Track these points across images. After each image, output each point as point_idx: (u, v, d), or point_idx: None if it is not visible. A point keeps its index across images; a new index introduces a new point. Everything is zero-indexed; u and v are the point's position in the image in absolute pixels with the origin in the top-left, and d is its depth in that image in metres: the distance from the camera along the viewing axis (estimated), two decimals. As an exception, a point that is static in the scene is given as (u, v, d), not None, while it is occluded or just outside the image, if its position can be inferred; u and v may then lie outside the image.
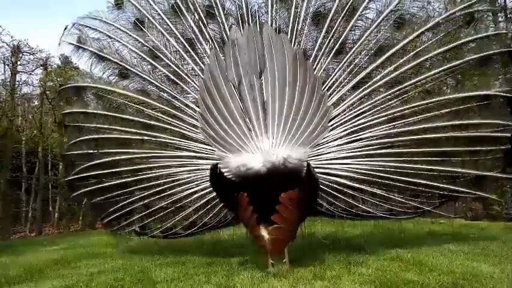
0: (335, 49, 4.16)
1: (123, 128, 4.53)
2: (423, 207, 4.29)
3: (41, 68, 13.35)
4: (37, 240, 8.53)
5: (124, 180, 4.50)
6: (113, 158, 4.53)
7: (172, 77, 4.46)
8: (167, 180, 4.29)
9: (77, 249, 5.04)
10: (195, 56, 4.47)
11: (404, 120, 3.94)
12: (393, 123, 3.95)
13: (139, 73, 4.54)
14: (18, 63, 12.01)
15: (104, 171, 4.58)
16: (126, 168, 4.48)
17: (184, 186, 4.20)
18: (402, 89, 3.96)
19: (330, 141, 3.99)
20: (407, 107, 3.94)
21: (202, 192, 4.14)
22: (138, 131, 4.45)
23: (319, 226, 6.58)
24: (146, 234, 4.79)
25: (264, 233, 3.50)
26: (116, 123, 4.58)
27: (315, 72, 4.14)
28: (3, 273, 3.97)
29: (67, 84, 5.11)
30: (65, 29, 4.64)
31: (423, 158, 3.99)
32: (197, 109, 4.26)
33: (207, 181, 3.96)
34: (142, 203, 4.49)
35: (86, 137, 4.69)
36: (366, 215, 4.36)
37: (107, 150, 4.58)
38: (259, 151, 3.72)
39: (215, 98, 4.15)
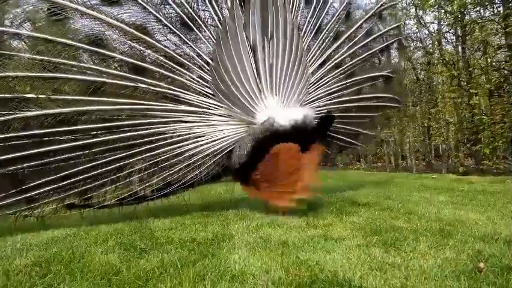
0: (315, 28, 4.69)
1: (103, 69, 3.73)
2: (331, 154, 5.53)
3: None
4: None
5: (90, 141, 3.72)
6: (78, 109, 3.62)
7: (186, 19, 4.07)
8: (160, 137, 3.93)
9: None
10: (214, 3, 4.22)
11: (341, 93, 4.73)
12: (335, 95, 4.67)
13: (142, 3, 3.83)
14: None
15: (58, 129, 3.58)
16: (98, 125, 3.73)
17: (181, 144, 3.99)
18: (344, 68, 4.75)
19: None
20: (344, 82, 4.73)
21: (196, 150, 4.03)
22: (127, 75, 3.79)
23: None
24: (91, 206, 4.02)
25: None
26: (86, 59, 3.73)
27: (303, 45, 4.52)
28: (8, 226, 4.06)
29: None
30: None
31: (349, 120, 5.02)
32: (210, 62, 4.10)
33: (207, 138, 4.04)
34: (112, 166, 3.83)
35: (15, 74, 3.44)
36: None
37: (66, 97, 3.62)
38: (272, 109, 3.93)
39: (231, 53, 4.08)
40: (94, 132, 3.76)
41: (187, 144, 4.02)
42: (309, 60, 4.53)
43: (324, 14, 4.77)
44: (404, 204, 4.27)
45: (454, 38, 12.93)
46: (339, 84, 4.66)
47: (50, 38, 3.53)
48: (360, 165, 17.97)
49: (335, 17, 4.78)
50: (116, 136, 3.81)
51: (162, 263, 2.28)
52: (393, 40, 5.37)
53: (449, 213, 3.67)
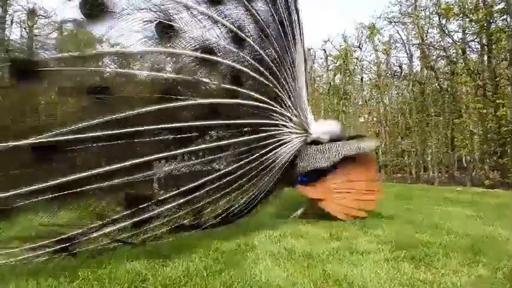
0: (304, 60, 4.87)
1: (254, 63, 3.45)
2: None
3: (57, 31, 13.30)
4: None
5: (232, 141, 3.27)
6: (239, 101, 3.30)
7: (281, 32, 3.93)
8: (269, 141, 3.68)
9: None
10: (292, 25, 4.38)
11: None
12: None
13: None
14: (35, 26, 11.98)
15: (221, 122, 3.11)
16: (243, 122, 3.42)
17: (276, 150, 3.78)
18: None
19: None
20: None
21: (280, 157, 3.85)
22: (266, 73, 3.59)
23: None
24: (198, 226, 3.15)
25: None
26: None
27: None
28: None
29: None
30: None
31: None
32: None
33: (288, 145, 4.00)
34: (238, 173, 3.25)
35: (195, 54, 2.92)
36: None
37: (229, 87, 3.22)
38: (312, 122, 4.44)
39: (300, 68, 4.28)
40: (246, 129, 3.38)
41: (278, 151, 3.83)
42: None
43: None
44: (428, 218, 4.16)
45: (479, 47, 12.64)
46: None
47: (216, 17, 3.10)
48: (380, 176, 17.65)
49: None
50: (254, 136, 3.45)
51: (188, 271, 2.28)
52: None
53: (477, 229, 3.55)
